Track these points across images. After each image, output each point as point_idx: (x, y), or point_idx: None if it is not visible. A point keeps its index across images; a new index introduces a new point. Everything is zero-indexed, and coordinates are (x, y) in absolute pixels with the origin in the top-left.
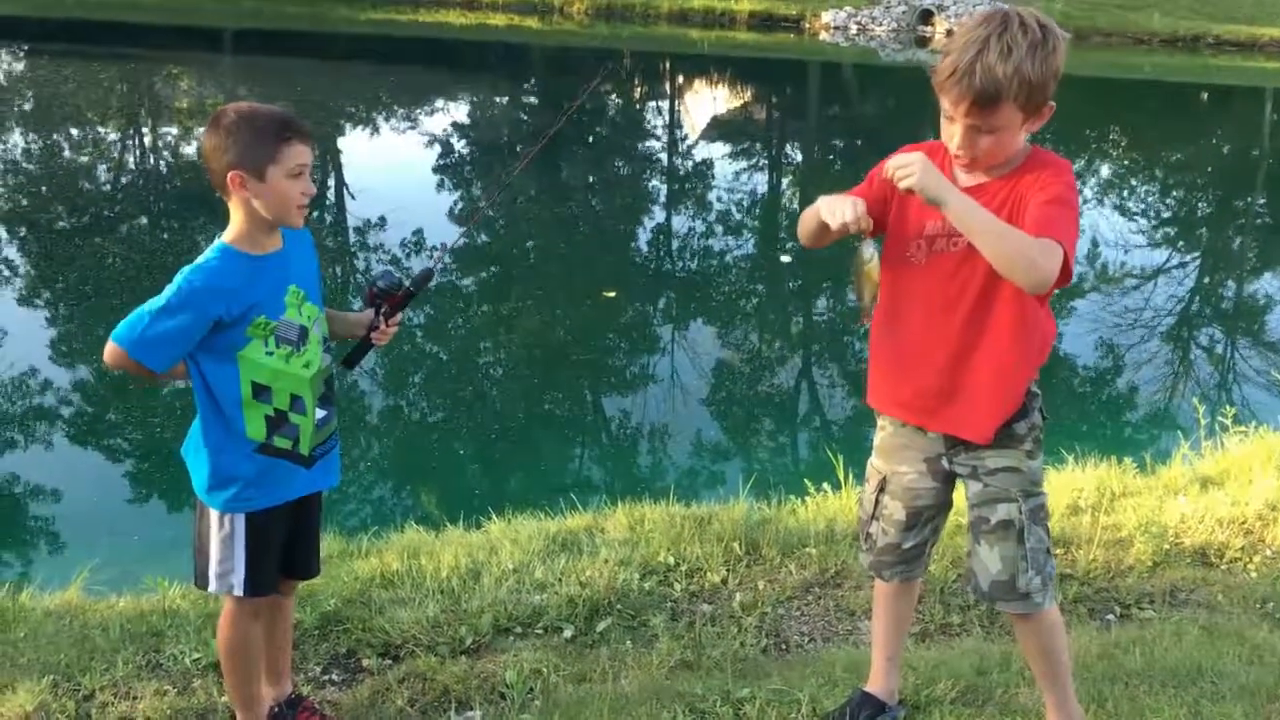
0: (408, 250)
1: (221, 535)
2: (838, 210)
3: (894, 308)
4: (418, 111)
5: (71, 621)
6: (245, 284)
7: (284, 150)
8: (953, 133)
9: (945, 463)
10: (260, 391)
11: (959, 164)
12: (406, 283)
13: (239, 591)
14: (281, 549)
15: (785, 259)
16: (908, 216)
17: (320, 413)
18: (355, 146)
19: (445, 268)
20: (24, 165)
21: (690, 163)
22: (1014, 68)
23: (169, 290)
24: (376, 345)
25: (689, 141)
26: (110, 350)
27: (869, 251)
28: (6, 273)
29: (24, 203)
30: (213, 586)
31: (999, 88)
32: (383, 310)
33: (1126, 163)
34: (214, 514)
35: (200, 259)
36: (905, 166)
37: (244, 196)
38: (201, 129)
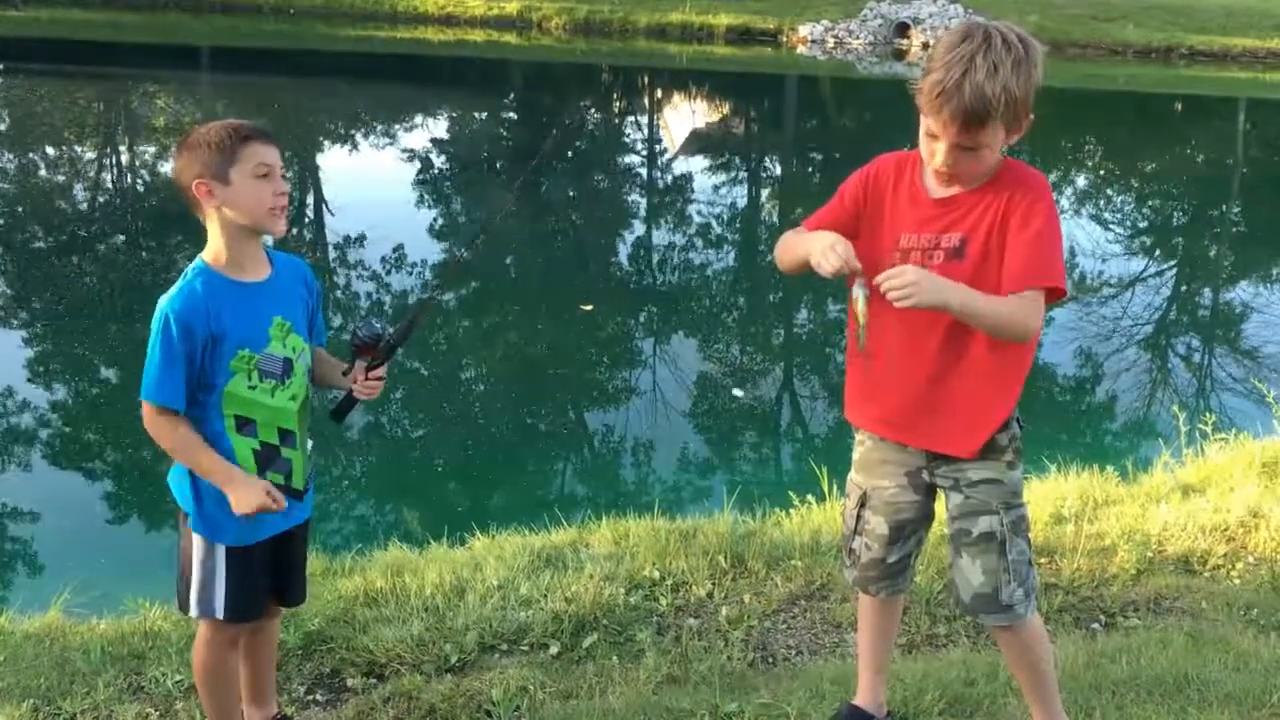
0: (388, 267)
1: (203, 558)
2: (824, 262)
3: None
4: (397, 128)
5: (51, 644)
6: (223, 306)
7: (242, 150)
8: (935, 149)
9: (926, 475)
10: (244, 425)
11: (936, 178)
12: (388, 334)
13: (219, 615)
14: (270, 575)
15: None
16: (881, 230)
17: (309, 443)
18: (334, 163)
19: (425, 284)
20: None
21: (669, 176)
22: (1001, 86)
23: (154, 329)
24: (362, 398)
25: (668, 155)
26: (145, 413)
27: (856, 292)
28: None
29: None
30: (193, 610)
31: (988, 107)
32: (366, 362)
33: (1103, 173)
34: (197, 538)
35: (177, 284)
36: (903, 289)
37: (214, 205)
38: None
